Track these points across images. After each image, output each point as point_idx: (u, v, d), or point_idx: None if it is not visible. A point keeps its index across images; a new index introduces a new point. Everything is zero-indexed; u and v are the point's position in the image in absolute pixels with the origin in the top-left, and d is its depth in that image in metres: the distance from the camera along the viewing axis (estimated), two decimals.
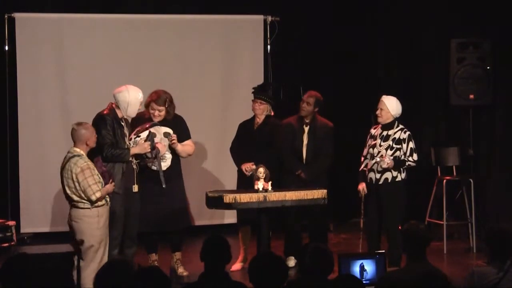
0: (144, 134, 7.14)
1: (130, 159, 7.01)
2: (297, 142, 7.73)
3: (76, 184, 6.29)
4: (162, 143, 7.19)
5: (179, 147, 7.34)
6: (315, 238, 7.73)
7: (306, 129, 7.76)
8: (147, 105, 7.33)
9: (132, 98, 7.00)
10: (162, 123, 7.36)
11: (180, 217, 7.44)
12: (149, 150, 7.06)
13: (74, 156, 6.34)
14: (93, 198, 6.30)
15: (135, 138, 7.12)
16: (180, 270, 7.39)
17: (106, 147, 6.79)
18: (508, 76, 9.07)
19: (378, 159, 7.38)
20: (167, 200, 7.27)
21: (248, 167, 7.53)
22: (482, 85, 8.93)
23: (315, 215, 7.73)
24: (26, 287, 4.16)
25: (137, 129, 7.19)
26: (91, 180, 6.29)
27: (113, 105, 7.05)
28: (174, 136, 7.28)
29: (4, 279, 4.22)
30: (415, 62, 9.72)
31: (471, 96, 8.92)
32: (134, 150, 7.01)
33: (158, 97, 7.29)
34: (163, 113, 7.33)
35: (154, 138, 7.12)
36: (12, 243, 8.46)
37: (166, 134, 7.33)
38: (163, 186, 7.15)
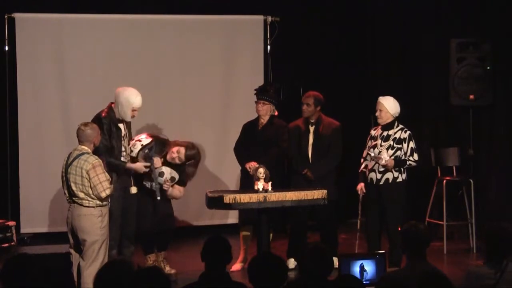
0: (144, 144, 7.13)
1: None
2: (303, 142, 7.74)
3: (85, 180, 6.27)
4: (158, 158, 7.15)
5: (171, 191, 7.31)
6: (325, 239, 7.73)
7: (312, 129, 7.78)
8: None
9: (122, 100, 7.00)
10: (170, 165, 7.31)
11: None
12: (145, 171, 7.04)
13: (83, 153, 6.33)
14: (103, 194, 6.30)
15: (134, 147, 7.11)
16: (167, 268, 7.39)
17: (104, 154, 6.80)
18: (508, 76, 9.07)
19: (373, 154, 7.36)
20: (165, 199, 7.30)
21: (252, 165, 7.52)
22: (482, 85, 8.92)
23: (323, 215, 7.72)
24: (26, 287, 4.17)
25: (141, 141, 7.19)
26: (102, 177, 6.30)
27: (112, 105, 7.06)
28: (168, 185, 7.24)
29: (4, 279, 4.22)
30: (415, 62, 9.71)
31: (471, 96, 8.92)
32: (130, 166, 7.01)
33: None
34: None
35: (152, 154, 7.09)
36: (12, 243, 8.46)
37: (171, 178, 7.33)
38: (158, 198, 7.10)
